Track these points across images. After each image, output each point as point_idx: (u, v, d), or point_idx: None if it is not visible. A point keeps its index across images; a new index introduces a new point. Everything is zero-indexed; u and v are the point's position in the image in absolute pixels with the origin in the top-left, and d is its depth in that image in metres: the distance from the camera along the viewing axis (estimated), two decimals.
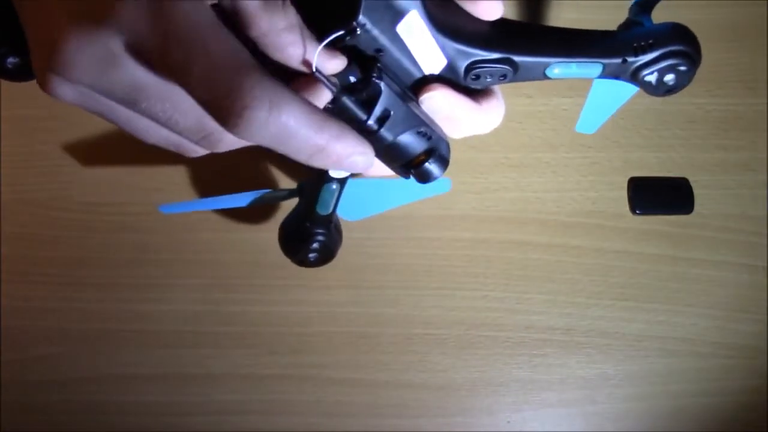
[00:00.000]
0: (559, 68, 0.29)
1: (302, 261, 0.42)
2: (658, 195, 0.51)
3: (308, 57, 0.24)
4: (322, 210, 0.41)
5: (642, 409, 0.53)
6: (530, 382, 0.52)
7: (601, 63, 0.29)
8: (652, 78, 0.30)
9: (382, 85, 0.26)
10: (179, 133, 0.23)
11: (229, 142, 0.24)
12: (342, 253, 0.43)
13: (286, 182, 0.51)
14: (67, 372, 0.52)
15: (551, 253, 0.51)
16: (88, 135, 0.51)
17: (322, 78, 0.25)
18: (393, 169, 0.29)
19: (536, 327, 0.52)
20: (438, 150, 0.29)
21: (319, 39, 0.24)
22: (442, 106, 0.28)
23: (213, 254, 0.51)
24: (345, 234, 0.44)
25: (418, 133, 0.28)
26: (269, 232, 0.50)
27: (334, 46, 0.25)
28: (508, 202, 0.51)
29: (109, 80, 0.21)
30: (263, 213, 0.51)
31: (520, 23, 0.30)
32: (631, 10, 0.33)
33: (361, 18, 0.25)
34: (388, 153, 0.28)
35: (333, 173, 0.39)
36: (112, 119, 0.24)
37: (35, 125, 0.51)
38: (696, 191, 0.51)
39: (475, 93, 0.30)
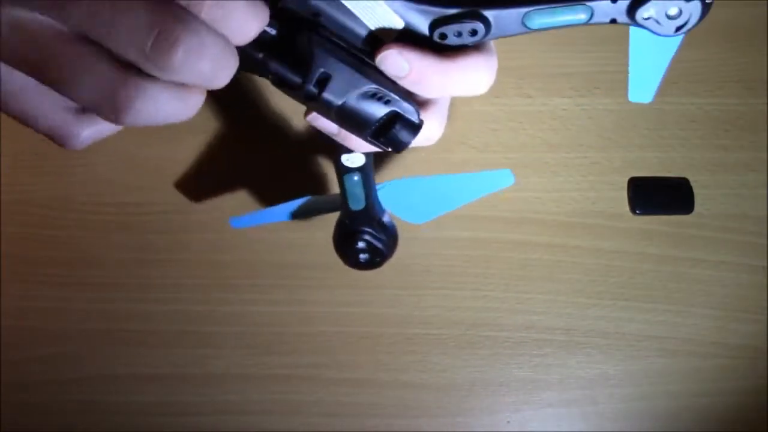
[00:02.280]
0: (540, 16, 0.26)
1: (356, 264, 0.41)
2: (658, 195, 0.51)
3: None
4: (355, 205, 0.39)
5: (642, 409, 0.53)
6: (530, 382, 0.52)
7: (587, 5, 0.26)
8: (651, 13, 0.26)
9: (314, 46, 0.24)
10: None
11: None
12: None
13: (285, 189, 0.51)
14: (67, 372, 0.52)
15: (551, 253, 0.51)
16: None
17: (253, 53, 0.24)
18: (365, 140, 0.27)
19: (536, 327, 0.52)
20: (402, 114, 0.27)
21: None
22: (400, 66, 0.26)
23: (213, 254, 0.51)
24: None
25: (372, 95, 0.26)
26: (269, 232, 0.50)
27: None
28: (507, 202, 0.51)
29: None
30: None
31: None
32: None
33: None
34: (345, 119, 0.26)
35: (346, 161, 0.37)
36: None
37: None
38: (696, 191, 0.51)
39: (454, 51, 0.27)
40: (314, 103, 0.26)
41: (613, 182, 0.51)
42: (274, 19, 0.24)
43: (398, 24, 0.26)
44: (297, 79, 0.25)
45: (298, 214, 0.44)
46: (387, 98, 0.26)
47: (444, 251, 0.51)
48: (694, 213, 0.51)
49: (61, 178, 0.52)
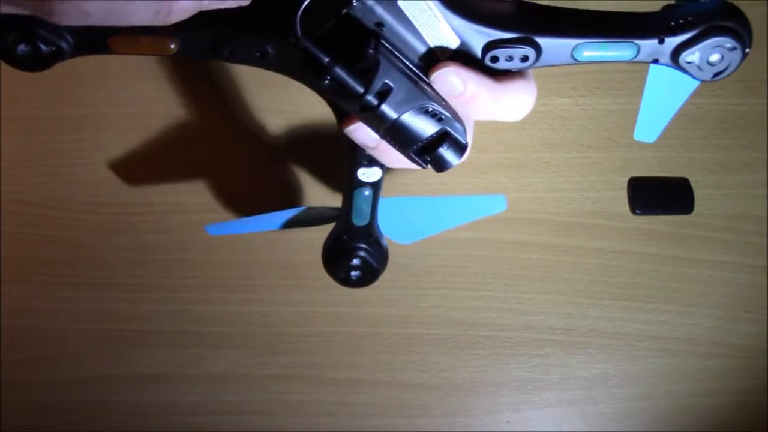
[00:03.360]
0: (589, 49, 0.27)
1: (345, 280, 0.39)
2: (658, 195, 0.51)
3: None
4: (359, 220, 0.38)
5: (642, 409, 0.53)
6: (530, 382, 0.52)
7: (635, 43, 0.26)
8: (694, 58, 0.27)
9: (381, 57, 0.24)
10: None
11: None
12: None
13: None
14: (67, 372, 0.52)
15: (551, 253, 0.51)
16: (87, 135, 0.51)
17: (309, 45, 0.23)
18: (408, 157, 0.27)
19: (536, 327, 0.52)
20: (452, 133, 0.27)
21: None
22: (455, 85, 0.26)
23: (213, 254, 0.51)
24: None
25: (426, 112, 0.26)
26: (268, 232, 0.50)
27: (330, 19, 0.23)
28: (508, 202, 0.51)
29: None
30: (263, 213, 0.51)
31: (542, 4, 0.27)
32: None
33: None
34: (396, 134, 0.26)
35: (362, 176, 0.36)
36: None
37: (35, 125, 0.51)
38: (696, 191, 0.51)
39: (500, 75, 0.27)
40: (368, 114, 0.25)
41: (613, 182, 0.51)
42: (339, 26, 0.24)
43: (454, 42, 0.26)
44: (359, 89, 0.24)
45: (289, 224, 0.43)
46: (441, 116, 0.26)
47: (444, 251, 0.51)
48: (694, 213, 0.51)
49: (61, 178, 0.52)
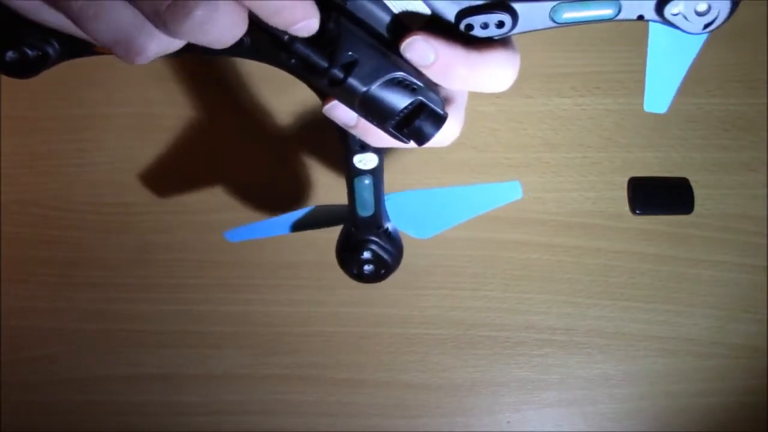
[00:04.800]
0: (568, 10, 0.25)
1: (358, 275, 0.38)
2: (658, 195, 0.51)
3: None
4: (363, 211, 0.37)
5: (642, 409, 0.53)
6: (530, 382, 0.52)
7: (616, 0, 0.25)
8: (681, 8, 0.26)
9: (342, 29, 0.24)
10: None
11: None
12: None
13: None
14: (67, 372, 0.52)
15: (551, 253, 0.51)
16: (87, 135, 0.51)
17: (266, 25, 0.23)
18: (387, 132, 0.27)
19: (536, 327, 0.52)
20: (427, 104, 0.26)
21: None
22: (426, 54, 0.25)
23: (213, 254, 0.51)
24: None
25: (398, 83, 0.25)
26: None
27: None
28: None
29: None
30: (263, 213, 0.51)
31: None
32: None
33: None
34: (370, 108, 0.25)
35: (359, 163, 0.35)
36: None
37: (35, 125, 0.51)
38: (696, 191, 0.51)
39: (480, 43, 0.26)
40: (338, 89, 0.24)
41: (613, 182, 0.51)
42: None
43: (424, 11, 0.25)
44: (323, 63, 0.24)
45: (301, 226, 0.43)
46: (413, 86, 0.25)
47: (444, 251, 0.51)
48: (694, 213, 0.51)
49: (61, 178, 0.52)
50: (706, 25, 0.27)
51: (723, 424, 0.53)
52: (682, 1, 0.26)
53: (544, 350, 0.52)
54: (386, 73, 0.25)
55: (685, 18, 0.26)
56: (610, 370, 0.52)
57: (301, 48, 0.24)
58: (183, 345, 0.52)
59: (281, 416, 0.53)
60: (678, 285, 0.52)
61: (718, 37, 0.52)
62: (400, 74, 0.25)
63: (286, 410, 0.53)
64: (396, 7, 0.25)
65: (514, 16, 0.25)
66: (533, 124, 0.51)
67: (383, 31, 0.26)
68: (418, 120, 0.25)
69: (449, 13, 0.26)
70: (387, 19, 0.26)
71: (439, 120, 0.26)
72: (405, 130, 0.26)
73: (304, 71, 0.25)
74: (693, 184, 0.51)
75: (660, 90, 0.30)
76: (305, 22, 0.23)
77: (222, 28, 0.21)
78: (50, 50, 0.26)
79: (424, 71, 0.26)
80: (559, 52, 0.50)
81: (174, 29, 0.21)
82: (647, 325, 0.52)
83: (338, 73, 0.24)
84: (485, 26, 0.26)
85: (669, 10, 0.26)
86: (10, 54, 0.26)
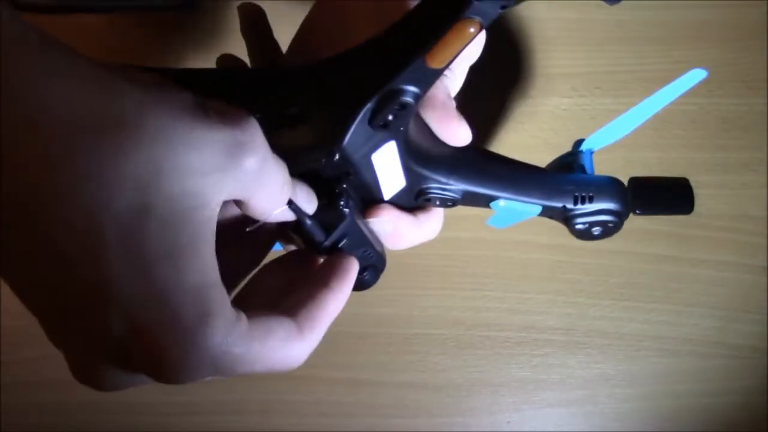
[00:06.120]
0: (504, 203, 0.31)
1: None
2: (658, 195, 0.51)
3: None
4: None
5: (642, 409, 0.53)
6: (530, 382, 0.52)
7: (542, 205, 0.31)
8: (582, 227, 0.32)
9: (347, 212, 0.26)
10: None
11: None
12: None
13: None
14: (67, 372, 0.52)
15: (551, 253, 0.51)
16: None
17: (298, 208, 0.25)
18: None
19: (536, 327, 0.52)
20: (376, 265, 0.30)
21: (290, 159, 0.24)
22: (387, 227, 0.29)
23: None
24: None
25: (364, 252, 0.29)
26: None
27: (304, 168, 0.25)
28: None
29: None
30: None
31: (478, 152, 0.31)
32: (574, 144, 0.36)
33: (346, 144, 0.25)
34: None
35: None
36: None
37: None
38: (696, 191, 0.51)
39: (415, 208, 0.31)
40: (317, 251, 0.27)
41: None
42: (316, 179, 0.26)
43: (401, 184, 0.29)
44: (321, 238, 0.27)
45: None
46: (372, 254, 0.29)
47: (444, 251, 0.51)
48: (694, 213, 0.51)
49: None
50: (589, 238, 0.32)
51: (723, 424, 0.52)
52: (587, 225, 0.32)
53: (544, 350, 0.52)
54: (360, 247, 0.28)
55: (580, 231, 0.33)
56: (610, 370, 0.52)
57: (312, 226, 0.26)
58: None
59: (280, 416, 0.53)
60: (678, 285, 0.52)
61: (718, 37, 0.52)
62: (369, 249, 0.29)
63: (285, 410, 0.52)
64: (382, 178, 0.28)
65: (465, 197, 0.30)
66: (533, 124, 0.51)
67: (361, 195, 0.28)
68: (364, 274, 0.30)
69: (417, 184, 0.29)
70: (374, 193, 0.29)
71: (378, 274, 0.31)
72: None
73: (295, 230, 0.27)
74: (693, 184, 0.51)
75: (502, 221, 0.34)
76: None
77: None
78: None
79: (381, 236, 0.30)
80: (559, 52, 0.50)
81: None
82: (647, 325, 0.52)
83: (327, 246, 0.27)
84: (439, 201, 0.30)
85: (573, 224, 0.33)
86: None
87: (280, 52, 0.31)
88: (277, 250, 0.35)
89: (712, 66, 0.50)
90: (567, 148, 0.51)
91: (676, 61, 0.51)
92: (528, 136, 0.51)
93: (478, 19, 0.23)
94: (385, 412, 0.53)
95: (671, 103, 0.51)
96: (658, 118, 0.51)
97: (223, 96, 0.23)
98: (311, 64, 0.27)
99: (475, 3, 0.23)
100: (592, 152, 0.36)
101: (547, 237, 0.51)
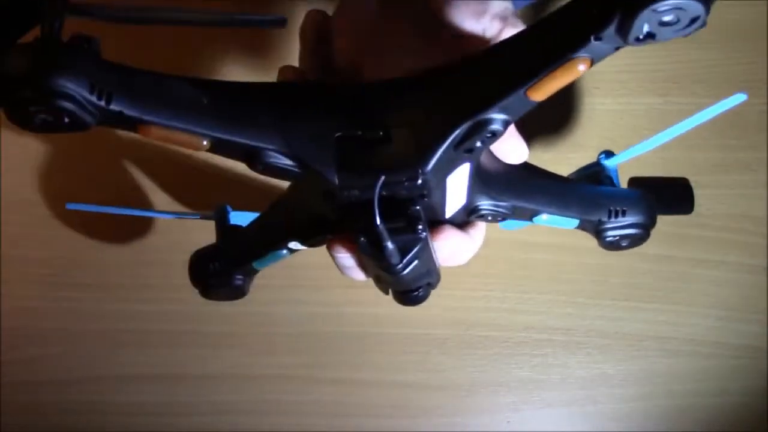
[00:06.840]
0: (547, 217, 0.32)
1: (206, 293, 0.40)
2: (658, 195, 0.51)
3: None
4: (259, 266, 0.39)
5: (642, 409, 0.53)
6: (530, 382, 0.52)
7: (580, 219, 0.33)
8: (612, 239, 0.33)
9: (425, 236, 0.26)
10: None
11: None
12: None
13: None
14: (67, 372, 0.52)
15: (552, 253, 0.51)
16: (87, 136, 0.51)
17: (383, 230, 0.24)
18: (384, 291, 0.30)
19: (536, 327, 0.52)
20: (431, 282, 0.30)
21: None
22: (449, 247, 0.30)
23: None
24: None
25: (428, 271, 0.28)
26: None
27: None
28: None
29: None
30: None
31: (526, 167, 0.31)
32: (600, 155, 0.38)
33: (430, 168, 0.24)
34: (392, 284, 0.28)
35: (293, 246, 0.35)
36: None
37: None
38: (696, 191, 0.50)
39: (465, 223, 0.31)
40: (386, 273, 0.26)
41: None
42: (394, 200, 0.25)
43: (462, 203, 0.29)
44: (396, 261, 0.26)
45: None
46: (433, 273, 0.29)
47: None
48: (694, 213, 0.51)
49: (61, 178, 0.52)
50: (616, 248, 0.34)
51: (723, 424, 0.52)
52: (617, 237, 0.32)
53: (544, 350, 0.52)
54: (425, 268, 0.28)
55: (610, 242, 0.33)
56: (610, 370, 0.52)
57: (391, 248, 0.25)
58: (181, 345, 0.52)
59: (280, 416, 0.52)
60: (678, 285, 0.52)
61: (718, 37, 0.52)
62: (433, 268, 0.29)
63: (284, 410, 0.52)
64: (449, 197, 0.28)
65: (514, 212, 0.31)
66: (533, 124, 0.51)
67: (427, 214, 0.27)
68: (420, 291, 0.30)
69: (474, 203, 0.30)
70: (438, 213, 0.28)
71: (430, 291, 0.31)
72: (403, 297, 0.30)
73: (367, 253, 0.26)
74: (693, 184, 0.51)
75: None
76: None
77: None
78: (89, 119, 0.23)
79: (438, 253, 0.29)
80: None
81: None
82: (647, 325, 0.52)
83: (400, 269, 0.26)
84: (493, 218, 0.31)
85: (605, 235, 0.33)
86: (42, 116, 0.22)
87: (333, 59, 0.31)
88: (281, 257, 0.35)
89: (713, 66, 0.50)
90: (567, 147, 0.51)
91: (676, 61, 0.51)
92: (528, 136, 0.51)
93: (589, 57, 0.23)
94: (385, 412, 0.53)
95: (671, 104, 0.51)
96: (658, 118, 0.51)
97: (305, 112, 0.23)
98: (393, 81, 0.26)
99: (593, 42, 0.22)
100: (617, 164, 0.37)
101: (547, 237, 0.51)
